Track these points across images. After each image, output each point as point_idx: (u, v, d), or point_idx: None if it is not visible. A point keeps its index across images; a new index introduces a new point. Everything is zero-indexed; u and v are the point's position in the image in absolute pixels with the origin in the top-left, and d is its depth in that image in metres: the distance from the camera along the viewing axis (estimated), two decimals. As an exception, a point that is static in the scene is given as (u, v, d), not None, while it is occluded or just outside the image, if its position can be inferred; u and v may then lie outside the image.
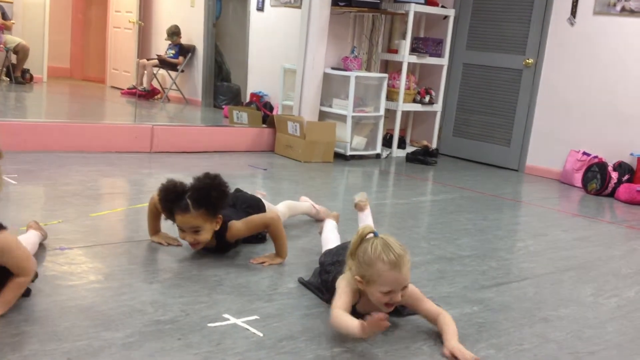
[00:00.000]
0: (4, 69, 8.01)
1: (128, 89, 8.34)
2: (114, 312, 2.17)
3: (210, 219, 2.65)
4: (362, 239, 2.17)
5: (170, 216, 2.70)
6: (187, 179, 2.72)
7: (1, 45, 7.74)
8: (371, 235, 2.17)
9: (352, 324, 1.97)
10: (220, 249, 2.83)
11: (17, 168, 4.13)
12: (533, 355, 2.17)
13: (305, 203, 3.62)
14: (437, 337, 2.19)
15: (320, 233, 3.12)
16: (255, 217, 2.83)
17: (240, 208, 2.97)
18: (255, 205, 3.06)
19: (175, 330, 2.07)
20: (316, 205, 3.61)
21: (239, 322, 2.19)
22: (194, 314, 2.21)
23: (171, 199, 2.64)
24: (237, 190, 3.21)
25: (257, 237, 3.04)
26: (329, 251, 2.66)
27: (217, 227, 2.70)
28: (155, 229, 2.96)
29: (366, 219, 3.08)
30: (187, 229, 2.65)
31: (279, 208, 3.28)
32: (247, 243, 3.01)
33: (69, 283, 2.39)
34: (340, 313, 2.08)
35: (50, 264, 2.56)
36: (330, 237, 2.91)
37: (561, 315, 2.58)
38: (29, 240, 2.58)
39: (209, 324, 2.14)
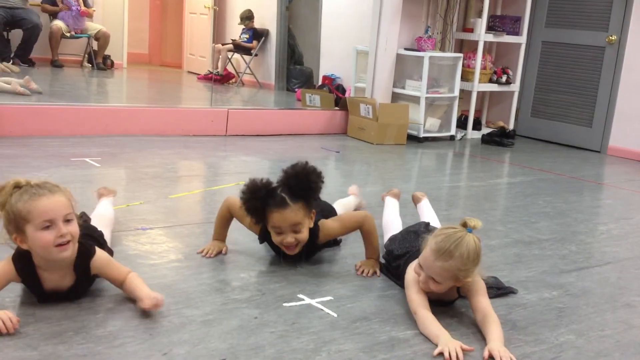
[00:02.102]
0: (86, 56, 8.31)
1: (204, 74, 8.50)
2: (194, 290, 2.24)
3: (308, 213, 2.39)
4: (453, 225, 2.11)
5: (260, 218, 2.39)
6: (272, 174, 2.50)
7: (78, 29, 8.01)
8: (464, 228, 2.07)
9: (438, 334, 1.96)
10: (307, 253, 2.52)
11: (100, 151, 4.30)
12: (615, 341, 2.10)
13: (353, 199, 3.30)
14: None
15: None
16: (349, 215, 2.64)
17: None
18: (330, 212, 2.78)
19: (252, 309, 2.11)
20: (360, 196, 3.38)
21: (314, 302, 2.21)
22: (270, 294, 2.25)
23: (262, 196, 2.34)
24: None
25: (334, 241, 2.73)
26: (394, 237, 2.62)
27: (312, 224, 2.43)
28: (221, 236, 2.64)
29: (426, 212, 2.99)
30: (286, 228, 2.35)
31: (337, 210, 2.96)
32: (323, 247, 2.68)
33: (150, 262, 2.48)
34: (426, 317, 2.04)
35: (133, 243, 2.66)
36: (393, 222, 2.86)
37: (646, 301, 2.48)
38: (106, 214, 2.66)
39: (285, 304, 2.18)
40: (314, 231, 2.45)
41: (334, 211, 2.83)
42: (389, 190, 3.31)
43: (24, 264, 1.94)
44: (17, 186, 1.90)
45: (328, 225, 2.51)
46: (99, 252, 2.06)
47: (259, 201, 2.34)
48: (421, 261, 2.10)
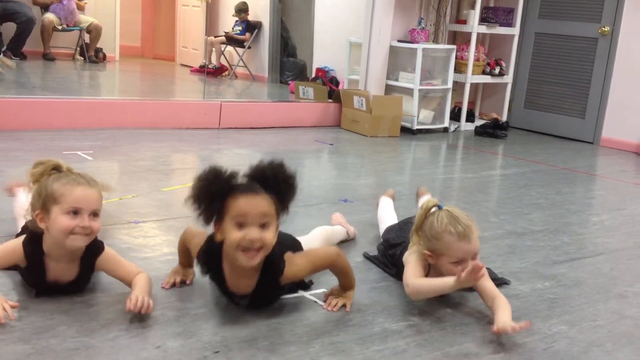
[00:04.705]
0: (78, 49, 8.27)
1: (197, 67, 8.47)
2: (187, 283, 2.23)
3: (276, 216, 1.90)
4: (427, 213, 2.16)
5: (215, 209, 1.86)
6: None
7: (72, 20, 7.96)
8: (435, 208, 2.16)
9: (445, 280, 2.01)
10: (264, 295, 2.02)
11: (93, 144, 4.28)
12: (607, 331, 2.11)
13: (339, 230, 2.79)
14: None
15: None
16: (318, 252, 2.12)
17: (277, 248, 1.96)
18: (293, 246, 2.16)
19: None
20: (347, 225, 2.85)
21: (307, 294, 2.21)
22: (263, 286, 2.24)
23: (225, 179, 1.85)
24: None
25: (302, 283, 2.24)
26: (392, 227, 2.65)
27: (274, 239, 1.90)
28: (186, 262, 2.23)
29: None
30: (253, 218, 1.83)
31: (314, 244, 2.43)
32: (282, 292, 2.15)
33: (143, 255, 2.47)
34: (423, 279, 2.10)
35: (125, 236, 2.65)
36: (387, 215, 2.88)
37: (638, 291, 2.49)
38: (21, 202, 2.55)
39: (278, 296, 2.17)
40: (277, 265, 1.95)
41: (298, 246, 2.25)
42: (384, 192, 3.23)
43: (33, 249, 1.96)
44: (56, 168, 1.98)
45: (295, 261, 1.99)
46: (108, 250, 2.05)
47: (223, 183, 1.84)
48: (456, 259, 2.07)
